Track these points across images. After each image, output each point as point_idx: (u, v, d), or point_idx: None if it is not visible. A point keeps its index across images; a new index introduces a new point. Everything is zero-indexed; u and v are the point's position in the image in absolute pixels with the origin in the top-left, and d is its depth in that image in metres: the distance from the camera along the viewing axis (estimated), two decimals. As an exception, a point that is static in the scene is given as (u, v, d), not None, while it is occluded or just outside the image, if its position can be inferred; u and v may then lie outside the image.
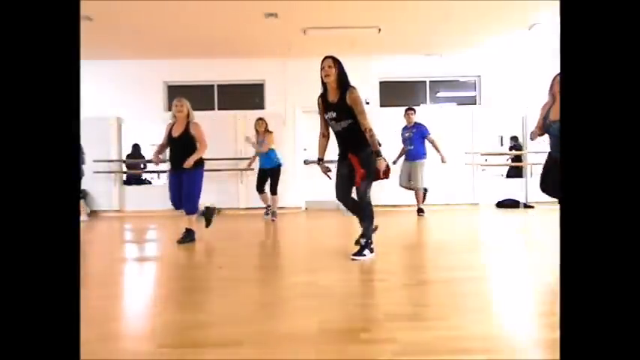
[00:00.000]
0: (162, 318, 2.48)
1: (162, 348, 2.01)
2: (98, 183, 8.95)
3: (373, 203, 3.95)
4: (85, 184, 8.61)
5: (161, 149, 5.03)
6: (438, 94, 9.92)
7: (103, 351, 1.98)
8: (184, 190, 4.89)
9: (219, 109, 9.66)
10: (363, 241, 3.95)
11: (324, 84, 3.81)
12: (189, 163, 4.74)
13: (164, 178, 9.18)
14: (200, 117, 9.06)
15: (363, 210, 3.96)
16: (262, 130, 7.12)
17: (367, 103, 9.35)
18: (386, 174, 3.79)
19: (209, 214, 5.46)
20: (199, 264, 4.07)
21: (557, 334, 1.52)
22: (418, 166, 7.41)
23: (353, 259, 3.80)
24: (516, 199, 8.91)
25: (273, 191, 7.20)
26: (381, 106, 9.48)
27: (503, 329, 2.21)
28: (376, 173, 3.78)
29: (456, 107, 9.81)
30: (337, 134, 3.91)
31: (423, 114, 9.24)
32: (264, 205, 7.56)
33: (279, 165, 7.21)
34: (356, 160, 3.81)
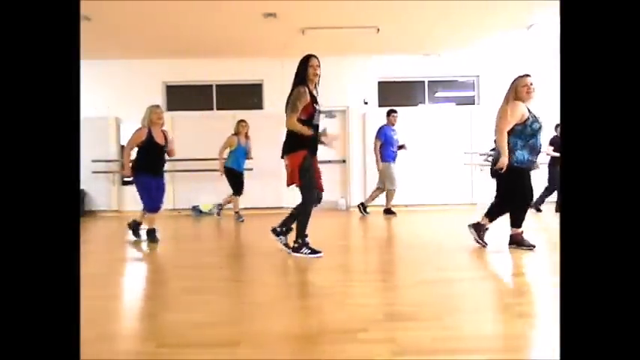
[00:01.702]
0: (161, 318, 2.48)
1: (161, 348, 2.02)
2: (97, 183, 8.94)
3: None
4: (84, 184, 8.60)
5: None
6: (437, 94, 9.92)
7: (103, 351, 1.98)
8: (162, 190, 5.14)
9: (217, 109, 9.65)
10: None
11: (304, 79, 3.95)
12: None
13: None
14: (198, 117, 9.19)
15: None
16: (245, 131, 7.12)
17: (366, 103, 9.38)
18: None
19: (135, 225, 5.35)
20: (197, 264, 4.06)
21: (555, 333, 1.53)
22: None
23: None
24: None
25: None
26: (380, 106, 9.48)
27: (502, 329, 2.21)
28: None
29: (455, 107, 9.81)
30: (315, 128, 4.02)
31: (422, 114, 9.28)
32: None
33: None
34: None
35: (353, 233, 6.11)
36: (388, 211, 7.48)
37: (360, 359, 1.85)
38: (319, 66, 3.99)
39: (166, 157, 5.18)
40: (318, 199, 4.15)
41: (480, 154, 9.27)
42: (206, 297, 2.86)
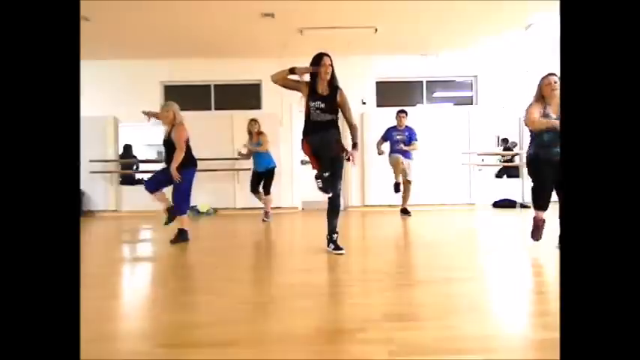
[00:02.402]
0: (159, 318, 2.48)
1: (159, 348, 2.01)
2: (95, 183, 8.93)
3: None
4: (81, 184, 8.58)
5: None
6: (435, 95, 9.93)
7: (103, 351, 1.97)
8: (175, 190, 4.96)
9: (215, 109, 9.64)
10: (335, 236, 4.19)
11: (313, 75, 4.17)
12: (175, 174, 4.81)
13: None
14: (196, 117, 9.18)
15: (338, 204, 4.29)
16: (256, 131, 7.07)
17: (364, 103, 9.38)
18: None
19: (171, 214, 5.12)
20: (195, 264, 4.06)
21: (554, 333, 1.53)
22: (410, 165, 7.42)
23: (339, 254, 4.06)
24: (513, 199, 8.94)
25: (267, 191, 7.17)
26: (378, 106, 9.49)
27: (500, 329, 2.22)
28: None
29: (453, 107, 9.82)
30: (316, 124, 4.16)
31: (420, 114, 9.28)
32: (262, 205, 7.44)
33: (274, 167, 7.20)
34: None
35: (352, 233, 6.10)
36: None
37: (358, 359, 1.85)
38: (331, 65, 4.14)
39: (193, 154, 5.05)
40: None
41: (478, 154, 9.30)
42: (205, 297, 2.86)
